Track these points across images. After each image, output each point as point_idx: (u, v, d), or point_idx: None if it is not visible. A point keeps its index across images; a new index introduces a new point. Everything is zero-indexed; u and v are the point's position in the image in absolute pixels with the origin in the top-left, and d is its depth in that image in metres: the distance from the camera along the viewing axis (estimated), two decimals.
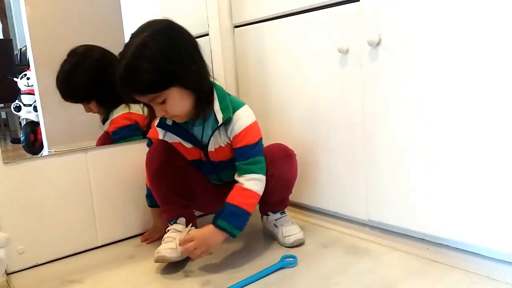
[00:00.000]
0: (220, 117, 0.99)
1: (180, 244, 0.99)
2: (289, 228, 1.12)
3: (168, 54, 0.91)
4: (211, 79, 1.03)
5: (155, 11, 1.59)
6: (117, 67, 0.92)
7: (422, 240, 1.00)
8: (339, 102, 1.12)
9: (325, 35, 1.12)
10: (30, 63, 1.27)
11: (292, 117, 1.26)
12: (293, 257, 1.01)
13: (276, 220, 1.14)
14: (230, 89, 1.43)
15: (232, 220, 0.99)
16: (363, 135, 1.07)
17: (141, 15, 1.55)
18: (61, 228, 1.14)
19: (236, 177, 1.03)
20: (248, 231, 1.24)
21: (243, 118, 1.02)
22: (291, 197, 1.18)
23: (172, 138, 1.07)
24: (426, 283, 0.88)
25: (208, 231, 0.99)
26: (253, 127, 1.03)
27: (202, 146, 1.05)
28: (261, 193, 1.03)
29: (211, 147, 1.04)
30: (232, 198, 1.00)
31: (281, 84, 1.28)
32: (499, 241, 0.86)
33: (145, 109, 1.21)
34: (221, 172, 1.10)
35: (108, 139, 1.24)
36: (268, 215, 1.16)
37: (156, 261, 1.00)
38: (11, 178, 1.06)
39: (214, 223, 0.99)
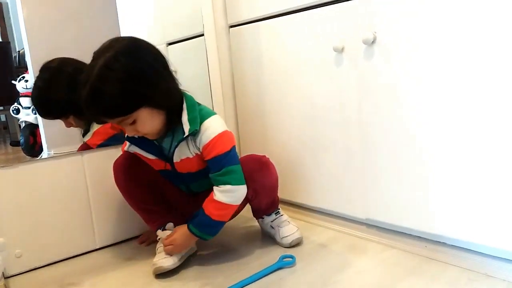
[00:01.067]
0: (186, 129, 0.96)
1: (164, 244, 1.02)
2: (286, 228, 1.12)
3: (133, 75, 0.87)
4: (181, 90, 0.99)
5: (149, 12, 1.59)
6: (81, 90, 0.88)
7: (419, 238, 1.01)
8: (335, 101, 1.12)
9: (320, 34, 1.12)
10: (28, 66, 1.27)
11: (289, 116, 1.26)
12: (292, 257, 1.01)
13: (272, 221, 1.14)
14: (226, 90, 1.43)
15: (202, 228, 1.01)
16: (360, 134, 1.07)
17: (136, 16, 1.54)
18: (59, 231, 1.13)
19: (213, 186, 1.01)
20: (246, 231, 1.24)
21: (211, 128, 0.98)
22: (288, 197, 1.19)
23: (135, 149, 1.05)
24: (425, 280, 0.88)
25: (181, 236, 1.02)
26: (222, 136, 0.98)
27: (166, 158, 1.03)
28: (235, 203, 1.01)
29: (176, 158, 1.01)
30: (205, 206, 1.00)
31: (278, 83, 1.28)
32: (496, 238, 0.86)
33: None
34: (189, 183, 1.09)
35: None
36: (262, 218, 1.16)
37: (154, 272, 1.00)
38: (7, 182, 1.05)
39: (188, 226, 1.02)
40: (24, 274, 1.08)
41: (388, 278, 0.91)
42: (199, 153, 1.00)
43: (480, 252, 0.90)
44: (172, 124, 0.97)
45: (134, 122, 0.91)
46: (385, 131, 1.01)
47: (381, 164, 1.04)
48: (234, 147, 1.01)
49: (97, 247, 1.20)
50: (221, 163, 0.98)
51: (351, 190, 1.13)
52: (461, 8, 0.83)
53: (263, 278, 0.95)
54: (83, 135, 1.24)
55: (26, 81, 1.30)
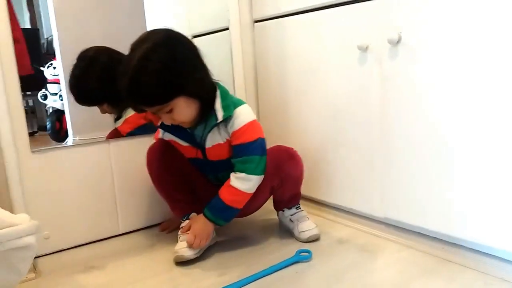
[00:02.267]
0: (220, 115, 1.00)
1: (182, 232, 1.07)
2: (305, 223, 1.13)
3: (170, 65, 0.91)
4: (214, 80, 1.03)
5: (176, 4, 1.61)
6: (121, 80, 0.92)
7: (436, 239, 1.01)
8: (357, 99, 1.12)
9: (345, 32, 1.12)
10: (56, 53, 1.31)
11: (310, 112, 1.27)
12: (308, 251, 1.03)
13: (291, 215, 1.16)
14: (249, 84, 1.44)
15: (216, 213, 1.05)
16: (381, 133, 1.07)
17: (162, 6, 1.57)
18: (84, 216, 1.18)
19: (231, 173, 1.05)
20: (264, 225, 1.27)
21: (243, 115, 1.02)
22: (308, 193, 1.20)
23: (169, 136, 1.09)
24: (439, 282, 0.89)
25: (199, 224, 1.05)
26: (253, 125, 1.03)
27: (198, 144, 1.06)
28: (248, 191, 1.03)
29: (208, 144, 1.05)
30: (220, 191, 1.04)
31: (300, 79, 1.29)
32: None
33: None
34: (219, 172, 1.10)
35: (118, 136, 1.26)
36: (283, 211, 1.18)
37: (175, 260, 1.03)
38: (38, 166, 1.10)
39: (203, 211, 1.06)
40: (51, 255, 1.13)
41: (403, 277, 0.91)
42: (229, 138, 1.04)
43: (498, 257, 0.90)
44: (206, 112, 1.01)
45: (171, 111, 0.96)
46: (407, 131, 1.01)
47: (401, 163, 1.04)
48: (260, 138, 1.04)
49: (120, 232, 1.25)
50: (244, 151, 1.02)
51: (370, 189, 1.13)
52: (488, 11, 0.82)
53: (279, 271, 0.97)
54: (115, 121, 1.28)
55: (54, 68, 1.35)
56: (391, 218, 1.10)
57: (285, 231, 1.19)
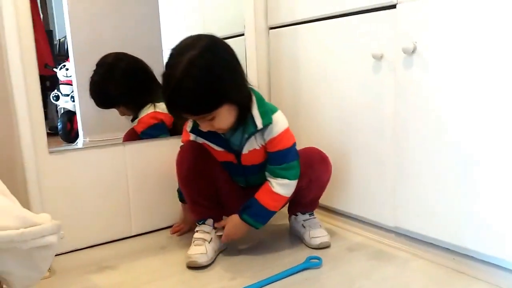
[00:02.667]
0: (259, 122, 1.00)
1: (216, 226, 1.10)
2: (317, 230, 1.14)
3: (217, 73, 0.91)
4: (248, 85, 1.03)
5: (190, 7, 1.63)
6: (165, 86, 0.92)
7: (448, 250, 1.01)
8: (370, 107, 1.13)
9: (359, 40, 1.13)
10: (69, 55, 1.33)
11: (322, 120, 1.28)
12: (318, 258, 1.04)
13: (304, 221, 1.17)
14: (262, 90, 1.45)
15: (257, 218, 1.07)
16: (393, 141, 1.08)
17: (177, 10, 1.59)
18: (98, 216, 1.20)
19: (267, 177, 1.06)
20: (275, 230, 1.28)
21: (280, 122, 1.03)
22: (320, 200, 1.20)
23: (202, 140, 1.09)
24: None
25: (236, 223, 1.08)
26: (288, 131, 1.05)
27: (234, 150, 1.07)
28: (289, 195, 1.07)
29: (245, 150, 1.05)
30: (261, 196, 1.05)
31: (313, 86, 1.30)
32: None
33: None
34: (249, 175, 1.12)
35: (134, 136, 1.30)
36: (296, 215, 1.19)
37: (188, 265, 1.04)
38: (55, 167, 1.12)
39: (240, 215, 1.07)
40: (65, 254, 1.15)
41: (413, 287, 0.92)
42: (264, 144, 1.04)
43: (509, 269, 0.90)
44: (242, 118, 1.00)
45: (212, 119, 0.95)
46: (419, 141, 1.02)
47: (413, 173, 1.04)
48: (295, 143, 1.06)
49: (133, 234, 1.26)
50: (284, 158, 1.04)
51: (382, 197, 1.14)
52: (505, 24, 0.83)
53: (288, 277, 0.98)
54: (132, 121, 1.33)
55: (67, 69, 1.38)
56: (402, 228, 1.10)
57: (296, 237, 1.20)
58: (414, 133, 1.03)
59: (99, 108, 1.31)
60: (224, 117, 0.96)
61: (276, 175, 1.04)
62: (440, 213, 1.00)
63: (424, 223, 1.04)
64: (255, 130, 1.01)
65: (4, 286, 0.63)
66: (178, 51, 0.93)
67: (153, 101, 1.31)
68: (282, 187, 1.04)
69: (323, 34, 1.24)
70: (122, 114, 1.33)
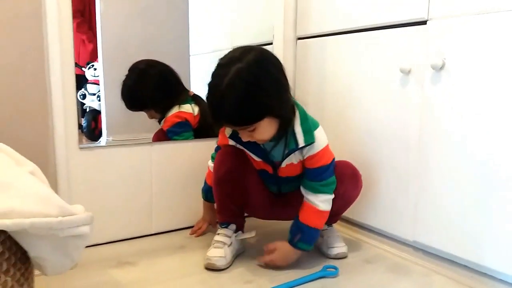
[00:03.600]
0: (301, 140, 1.00)
1: (265, 251, 1.08)
2: (335, 240, 1.15)
3: (263, 87, 0.91)
4: (292, 99, 1.03)
5: (219, 15, 1.66)
6: (210, 96, 0.93)
7: (466, 267, 1.01)
8: (396, 122, 1.14)
9: (388, 54, 1.14)
10: (98, 55, 1.38)
11: (347, 131, 1.29)
12: (335, 267, 1.05)
13: (323, 230, 1.17)
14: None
15: (311, 241, 1.08)
16: (418, 156, 1.08)
17: (206, 17, 1.62)
18: (121, 213, 1.23)
19: (307, 195, 1.06)
20: None
21: (319, 140, 1.02)
22: None
23: (242, 147, 1.09)
24: None
25: (288, 251, 1.06)
26: (328, 148, 1.05)
27: (273, 163, 1.07)
28: (330, 208, 1.07)
29: (283, 164, 1.06)
30: (309, 220, 1.05)
31: (339, 98, 1.31)
32: None
33: (195, 109, 1.35)
34: (283, 184, 1.12)
35: (162, 136, 1.35)
36: None
37: (206, 267, 1.06)
38: (83, 162, 1.15)
39: (295, 245, 1.06)
40: (87, 248, 1.16)
41: None
42: (301, 160, 1.05)
43: None
44: (284, 130, 1.01)
45: (253, 130, 0.96)
46: (444, 157, 1.02)
47: (436, 188, 1.04)
48: (334, 159, 1.07)
49: (153, 232, 1.29)
50: (324, 174, 1.04)
51: (402, 211, 1.14)
52: None
53: (304, 284, 0.99)
54: (160, 121, 1.39)
55: (95, 69, 1.43)
56: (420, 242, 1.10)
57: (313, 246, 1.20)
58: (439, 148, 1.03)
59: (125, 109, 1.36)
60: (265, 129, 0.97)
61: (317, 191, 1.05)
62: (460, 230, 1.00)
63: (444, 238, 1.04)
64: (296, 148, 1.01)
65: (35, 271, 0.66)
66: (226, 62, 0.93)
67: (179, 103, 1.37)
68: (325, 203, 1.05)
69: (351, 47, 1.26)
70: (151, 117, 1.39)
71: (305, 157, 1.04)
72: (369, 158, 1.22)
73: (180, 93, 1.41)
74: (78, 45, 1.44)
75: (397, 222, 1.16)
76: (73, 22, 1.08)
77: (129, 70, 1.34)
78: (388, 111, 1.16)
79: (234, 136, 1.05)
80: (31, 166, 0.64)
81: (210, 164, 1.20)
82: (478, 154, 0.95)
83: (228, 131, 1.08)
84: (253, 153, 1.08)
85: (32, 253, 0.59)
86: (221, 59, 0.95)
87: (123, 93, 1.35)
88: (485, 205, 0.94)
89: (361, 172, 1.14)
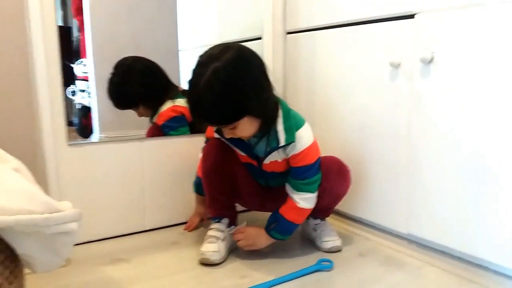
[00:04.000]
0: (282, 139, 1.00)
1: (234, 233, 1.10)
2: (328, 233, 1.15)
3: (239, 87, 0.91)
4: (276, 97, 1.02)
5: (208, 10, 1.65)
6: (189, 95, 0.94)
7: (460, 259, 1.01)
8: (386, 115, 1.13)
9: (377, 48, 1.14)
10: (87, 51, 1.37)
11: (337, 126, 1.29)
12: (329, 261, 1.04)
13: (315, 224, 1.17)
14: (277, 95, 1.46)
15: (285, 233, 1.10)
16: (408, 149, 1.08)
17: (195, 12, 1.61)
18: (113, 210, 1.22)
19: (290, 191, 1.07)
20: None
21: (303, 139, 1.02)
22: None
23: (227, 142, 1.09)
24: None
25: (259, 233, 1.09)
26: (312, 148, 1.04)
27: (257, 158, 1.07)
28: (312, 206, 1.08)
29: (266, 161, 1.06)
30: (287, 213, 1.07)
31: (329, 92, 1.31)
32: None
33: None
34: (270, 179, 1.13)
35: (157, 131, 1.34)
36: (308, 219, 1.19)
37: (201, 262, 1.06)
38: (73, 159, 1.14)
39: (268, 232, 1.08)
40: (80, 245, 1.17)
41: None
42: (286, 158, 1.05)
43: None
44: (267, 128, 1.01)
45: (234, 128, 0.97)
46: (434, 149, 1.02)
47: (428, 181, 1.04)
48: (319, 158, 1.06)
49: (146, 228, 1.28)
50: (307, 173, 1.04)
51: (395, 204, 1.14)
52: None
53: (299, 278, 0.98)
54: (151, 118, 1.37)
55: (84, 65, 1.41)
56: (414, 235, 1.10)
57: (307, 240, 1.20)
58: (429, 141, 1.03)
59: (125, 109, 1.36)
60: (245, 128, 0.97)
61: (299, 190, 1.05)
62: (453, 222, 1.00)
63: (437, 231, 1.04)
64: (277, 146, 1.01)
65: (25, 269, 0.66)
66: (204, 61, 0.93)
67: (171, 98, 1.36)
68: (306, 201, 1.06)
69: (340, 41, 1.25)
70: (140, 115, 1.37)
71: (289, 156, 1.04)
72: (360, 152, 1.22)
73: (169, 88, 1.40)
74: None
75: (391, 215, 1.16)
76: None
77: (114, 68, 1.33)
78: (378, 105, 1.15)
79: (219, 131, 1.05)
80: (15, 163, 0.63)
81: (201, 156, 1.19)
82: (468, 146, 0.95)
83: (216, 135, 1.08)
84: (237, 147, 1.08)
85: (20, 250, 0.58)
86: (200, 57, 0.95)
87: (110, 91, 1.33)
88: (476, 197, 0.94)
89: (352, 166, 1.13)
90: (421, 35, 1.02)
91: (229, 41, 1.53)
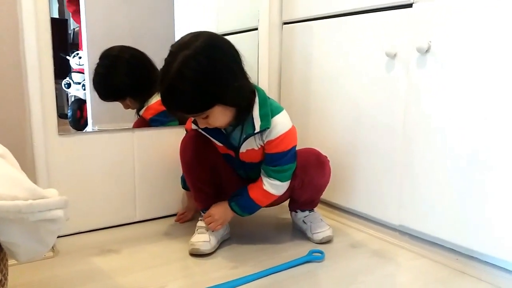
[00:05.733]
0: (258, 125, 0.99)
1: (204, 218, 1.10)
2: (318, 225, 1.14)
3: (209, 76, 0.89)
4: (252, 85, 1.01)
5: (207, 3, 1.63)
6: (159, 84, 0.92)
7: (451, 250, 1.00)
8: (382, 106, 1.12)
9: (373, 38, 1.13)
10: (82, 43, 1.34)
11: (332, 117, 1.28)
12: (321, 252, 1.04)
13: (305, 217, 1.17)
14: (273, 85, 1.45)
15: (244, 208, 1.09)
16: (403, 140, 1.08)
17: (192, 3, 1.59)
18: (104, 201, 1.21)
19: (261, 174, 1.07)
20: (278, 223, 1.28)
21: (279, 125, 1.01)
22: (324, 196, 1.20)
23: (204, 133, 1.08)
24: None
25: (224, 208, 1.09)
26: (289, 134, 1.02)
27: (233, 147, 1.07)
28: (279, 194, 1.07)
29: (242, 149, 1.05)
30: (252, 189, 1.07)
31: (324, 83, 1.30)
32: None
33: None
34: (249, 170, 1.11)
35: (143, 125, 1.30)
36: (296, 211, 1.19)
37: (191, 252, 1.05)
38: (63, 149, 1.12)
39: (229, 203, 1.08)
40: (69, 236, 1.15)
41: (415, 285, 0.92)
42: (263, 145, 1.04)
43: None
44: (242, 116, 1.00)
45: (206, 117, 0.96)
46: (428, 141, 1.01)
47: (421, 173, 1.04)
48: (295, 146, 1.05)
49: (137, 220, 1.27)
50: (278, 161, 1.03)
51: (388, 195, 1.13)
52: None
53: (290, 269, 0.98)
54: (138, 111, 1.33)
55: (80, 58, 1.39)
56: (406, 226, 1.10)
57: (298, 231, 1.20)
58: (424, 133, 1.02)
59: (111, 102, 1.32)
60: (218, 117, 0.96)
61: (269, 175, 1.05)
62: (445, 213, 0.99)
63: (429, 222, 1.03)
64: (253, 133, 1.00)
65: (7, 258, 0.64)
66: (176, 49, 0.91)
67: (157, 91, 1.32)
68: (273, 186, 1.05)
69: (337, 31, 1.24)
70: (127, 107, 1.33)
71: (264, 142, 1.03)
72: (355, 143, 1.21)
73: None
74: None
75: (383, 207, 1.15)
76: None
77: (100, 58, 1.28)
78: (374, 96, 1.14)
79: (195, 121, 1.04)
80: (1, 149, 0.62)
81: None
82: (462, 139, 0.94)
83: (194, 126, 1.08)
84: (213, 137, 1.07)
85: (2, 237, 0.56)
86: (172, 45, 0.93)
87: (95, 82, 1.29)
88: (469, 189, 0.94)
89: (345, 157, 1.13)
90: (418, 24, 1.01)
91: (226, 32, 1.53)
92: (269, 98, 1.04)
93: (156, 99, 1.31)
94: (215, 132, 1.05)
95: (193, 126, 1.09)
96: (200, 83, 0.89)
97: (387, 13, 1.09)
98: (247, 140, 1.03)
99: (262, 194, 1.06)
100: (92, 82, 1.29)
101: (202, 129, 1.06)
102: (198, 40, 0.91)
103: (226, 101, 0.94)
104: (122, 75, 1.32)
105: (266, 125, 0.99)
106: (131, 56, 1.32)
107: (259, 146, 1.04)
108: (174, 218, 1.30)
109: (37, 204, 0.55)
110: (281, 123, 1.01)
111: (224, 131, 1.05)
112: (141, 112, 1.32)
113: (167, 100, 0.93)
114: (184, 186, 1.25)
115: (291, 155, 1.05)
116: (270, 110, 1.00)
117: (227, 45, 0.96)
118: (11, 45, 1.01)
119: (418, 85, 1.02)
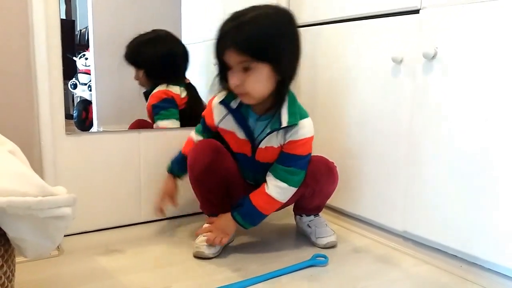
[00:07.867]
0: (285, 120, 0.98)
1: (198, 233, 1.07)
2: (323, 229, 1.14)
3: (283, 34, 0.93)
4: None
5: (214, 5, 1.65)
6: (226, 23, 0.92)
7: (455, 257, 1.00)
8: (387, 111, 1.13)
9: (380, 43, 1.13)
10: (89, 45, 1.36)
11: (338, 121, 1.28)
12: (325, 257, 1.04)
13: (310, 221, 1.17)
14: None
15: (246, 218, 1.06)
16: (408, 146, 1.08)
17: (200, 2, 1.60)
18: (109, 201, 1.21)
19: (268, 176, 1.04)
20: (282, 227, 1.28)
21: (307, 128, 1.02)
22: (329, 201, 1.20)
23: (227, 125, 1.06)
24: None
25: (226, 220, 1.06)
26: (310, 140, 1.03)
27: (253, 141, 1.05)
28: (282, 201, 1.05)
29: (262, 145, 1.03)
30: (255, 196, 1.04)
31: (330, 87, 1.30)
32: None
33: (183, 92, 1.32)
34: (259, 172, 1.08)
35: (143, 122, 1.33)
36: (301, 216, 1.19)
37: (195, 255, 1.05)
38: (70, 148, 1.13)
39: (232, 213, 1.06)
40: (74, 235, 1.16)
41: None
42: (283, 144, 1.03)
43: None
44: (274, 101, 1.00)
45: (248, 70, 0.93)
46: (434, 147, 1.01)
47: (426, 179, 1.04)
48: (310, 154, 1.05)
49: (142, 220, 1.28)
50: (294, 162, 1.02)
51: (392, 201, 1.13)
52: None
53: (293, 273, 0.98)
54: (145, 96, 1.37)
55: (86, 58, 1.40)
56: (410, 232, 1.10)
57: (302, 236, 1.20)
58: (430, 139, 1.02)
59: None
60: (260, 78, 0.94)
61: (278, 176, 1.03)
62: (450, 220, 0.99)
63: (433, 229, 1.03)
64: (279, 128, 0.99)
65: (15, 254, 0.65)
66: (251, 8, 0.93)
67: (169, 82, 1.34)
68: (277, 190, 1.02)
69: (343, 36, 1.25)
70: (137, 78, 1.36)
71: (286, 141, 1.02)
72: (360, 148, 1.21)
73: (178, 75, 1.38)
74: None
75: (387, 212, 1.15)
76: None
77: (149, 32, 1.34)
78: (379, 101, 1.15)
79: (225, 103, 1.02)
80: (11, 145, 0.63)
81: (193, 135, 1.16)
82: (468, 145, 0.94)
83: (217, 112, 1.06)
84: (239, 124, 1.04)
85: (11, 233, 0.57)
86: (236, 12, 0.94)
87: (131, 43, 1.33)
88: (474, 195, 0.94)
89: (350, 161, 1.13)
90: (425, 30, 1.01)
91: None
92: (298, 101, 1.05)
93: (159, 88, 1.34)
94: (241, 123, 1.03)
95: (217, 115, 1.06)
96: (271, 33, 0.91)
97: (394, 18, 1.09)
98: (269, 136, 1.01)
99: (264, 199, 1.03)
100: (128, 43, 1.33)
101: (232, 114, 1.03)
102: (282, 9, 0.99)
103: (279, 65, 0.94)
104: (156, 52, 1.37)
105: (294, 121, 0.99)
106: (174, 45, 1.41)
107: (279, 145, 1.03)
108: (179, 219, 1.30)
109: (47, 200, 0.56)
110: (308, 126, 1.02)
111: (250, 125, 1.03)
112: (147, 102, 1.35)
113: (227, 32, 0.91)
114: (170, 170, 1.18)
115: (305, 162, 1.05)
116: (298, 111, 1.01)
117: (299, 31, 0.99)
118: (22, 46, 1.03)
119: (424, 90, 1.03)
